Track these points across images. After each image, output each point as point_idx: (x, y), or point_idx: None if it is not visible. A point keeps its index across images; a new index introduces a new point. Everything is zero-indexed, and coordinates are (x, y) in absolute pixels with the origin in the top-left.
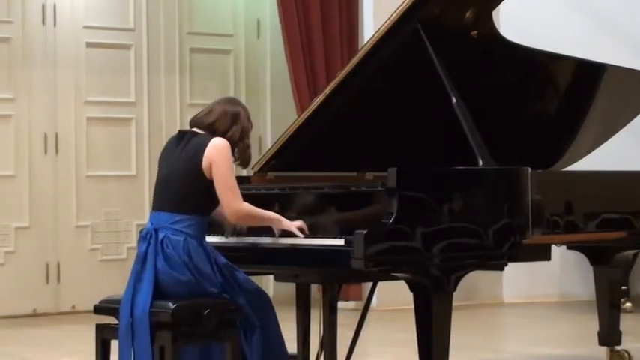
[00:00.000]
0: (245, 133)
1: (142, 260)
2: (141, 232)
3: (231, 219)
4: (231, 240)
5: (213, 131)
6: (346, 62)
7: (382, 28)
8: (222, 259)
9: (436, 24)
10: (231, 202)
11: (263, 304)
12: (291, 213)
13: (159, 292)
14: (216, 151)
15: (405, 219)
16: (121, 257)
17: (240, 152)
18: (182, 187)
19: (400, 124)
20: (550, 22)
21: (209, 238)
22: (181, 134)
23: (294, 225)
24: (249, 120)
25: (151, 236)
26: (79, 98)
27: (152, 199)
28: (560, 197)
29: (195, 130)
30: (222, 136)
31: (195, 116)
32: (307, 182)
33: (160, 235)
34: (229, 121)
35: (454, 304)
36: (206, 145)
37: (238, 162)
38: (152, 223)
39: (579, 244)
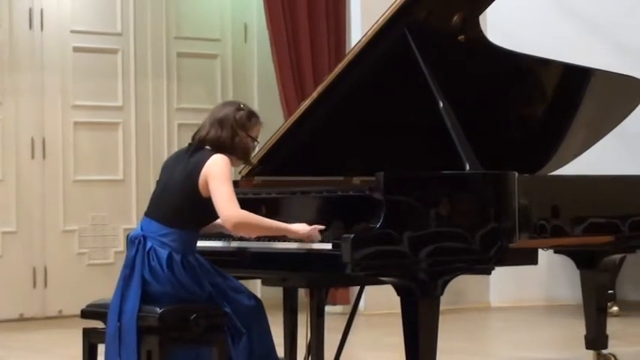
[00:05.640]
0: (238, 127)
1: (130, 265)
2: (129, 235)
3: (227, 226)
4: (218, 244)
5: (209, 145)
6: (334, 66)
7: (369, 33)
8: (214, 278)
9: (423, 28)
10: (226, 209)
11: (257, 316)
12: (279, 217)
13: (147, 300)
14: (212, 166)
15: (392, 223)
16: (108, 262)
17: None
18: (176, 200)
19: (387, 128)
20: (537, 26)
21: (202, 242)
22: (189, 146)
23: (308, 231)
24: (239, 110)
25: (139, 242)
26: (66, 102)
27: (148, 202)
28: (547, 201)
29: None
30: (217, 146)
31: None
32: (294, 186)
33: (148, 245)
34: (218, 128)
35: (441, 308)
36: (204, 162)
37: (238, 157)
38: (142, 229)
39: (566, 249)
